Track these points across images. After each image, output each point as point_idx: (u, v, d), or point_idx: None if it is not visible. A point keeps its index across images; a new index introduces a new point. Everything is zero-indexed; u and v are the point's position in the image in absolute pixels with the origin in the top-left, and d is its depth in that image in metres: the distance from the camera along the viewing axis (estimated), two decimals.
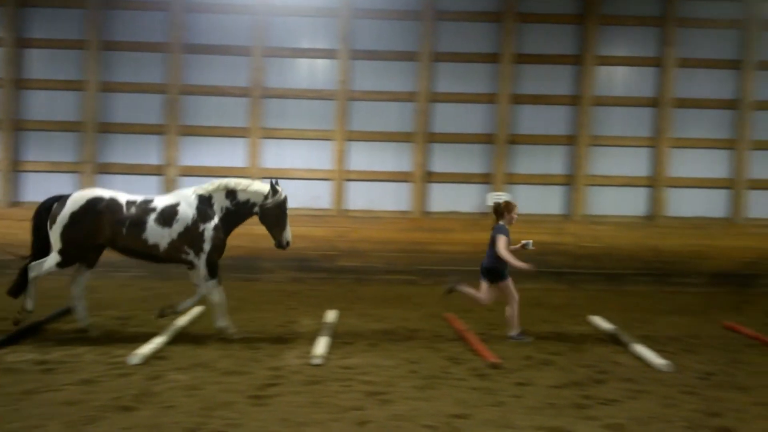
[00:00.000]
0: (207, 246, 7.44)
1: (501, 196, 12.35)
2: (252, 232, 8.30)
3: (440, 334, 8.05)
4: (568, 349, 7.47)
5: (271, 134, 12.52)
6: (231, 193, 7.57)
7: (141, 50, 12.42)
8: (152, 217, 7.37)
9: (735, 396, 5.87)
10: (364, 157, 12.64)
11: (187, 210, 7.45)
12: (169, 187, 12.24)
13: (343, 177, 12.50)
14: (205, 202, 7.52)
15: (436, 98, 12.53)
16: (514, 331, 7.81)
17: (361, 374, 6.22)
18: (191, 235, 7.40)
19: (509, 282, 7.83)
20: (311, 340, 7.30)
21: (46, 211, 7.39)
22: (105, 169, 12.45)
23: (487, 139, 12.59)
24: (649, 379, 6.34)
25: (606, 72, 12.59)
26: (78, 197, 7.37)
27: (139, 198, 7.55)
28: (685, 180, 12.62)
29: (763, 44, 12.40)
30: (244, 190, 7.57)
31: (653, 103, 12.53)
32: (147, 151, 12.50)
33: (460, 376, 6.27)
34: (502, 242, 7.70)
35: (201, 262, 7.46)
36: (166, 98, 12.36)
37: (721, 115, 12.55)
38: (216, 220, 7.49)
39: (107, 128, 12.46)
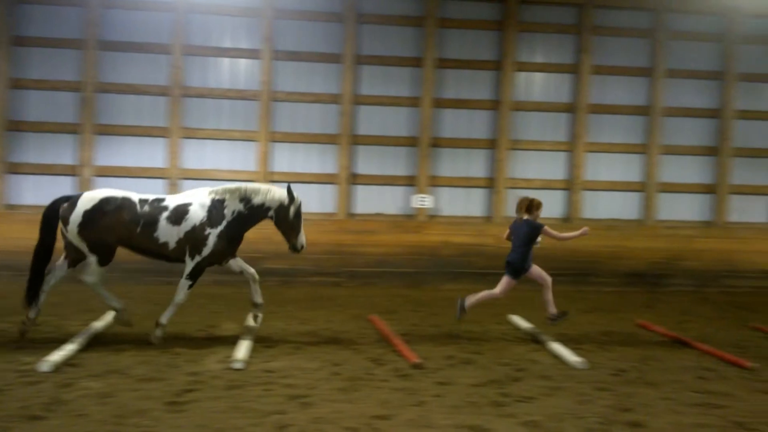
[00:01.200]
0: (206, 251, 7.41)
1: (425, 199, 12.56)
2: None
3: (364, 336, 8.06)
4: (488, 348, 7.63)
5: (192, 134, 12.25)
6: (246, 197, 7.54)
7: (55, 46, 11.92)
8: (164, 215, 7.34)
9: (645, 391, 6.11)
10: (288, 158, 12.54)
11: (198, 211, 7.42)
12: (83, 188, 11.81)
13: (266, 178, 12.34)
14: (217, 205, 7.48)
15: (360, 101, 12.57)
16: (468, 301, 8.10)
17: (283, 377, 6.16)
18: (195, 236, 7.36)
19: (513, 283, 8.11)
20: (233, 344, 7.17)
21: (54, 213, 7.28)
22: (16, 169, 11.91)
23: (410, 141, 12.70)
24: (565, 376, 6.54)
25: (525, 78, 12.92)
26: (90, 196, 7.29)
27: (150, 196, 7.51)
28: (600, 183, 13.09)
29: (671, 53, 12.99)
30: (259, 194, 7.56)
31: (570, 108, 12.94)
32: (61, 151, 12.02)
33: (383, 377, 6.29)
34: (553, 231, 8.11)
35: (192, 262, 7.43)
36: (81, 96, 11.92)
37: (633, 120, 13.08)
38: (224, 225, 7.45)
39: (18, 126, 11.91)
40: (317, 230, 12.19)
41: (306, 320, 8.92)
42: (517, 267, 8.01)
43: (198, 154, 12.31)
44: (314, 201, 12.58)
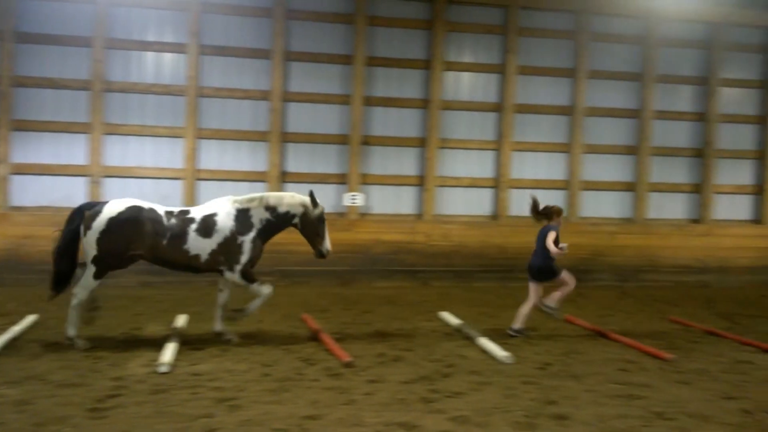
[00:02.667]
0: (244, 258, 7.52)
1: (356, 197, 12.55)
2: None
3: (295, 336, 8.00)
4: (418, 344, 7.69)
5: (115, 130, 11.84)
6: (271, 206, 7.69)
7: None
8: (193, 227, 7.37)
9: (570, 384, 6.28)
10: (216, 155, 12.29)
11: (226, 220, 7.51)
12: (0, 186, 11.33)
13: (194, 176, 12.09)
14: (243, 214, 7.59)
15: (290, 97, 12.44)
16: (552, 303, 8.30)
17: (210, 380, 6.04)
18: (229, 246, 7.45)
19: (563, 274, 8.31)
20: (158, 347, 6.99)
21: (78, 216, 7.26)
22: None
23: (341, 139, 12.67)
24: (493, 370, 6.66)
25: (453, 77, 13.07)
26: (117, 205, 7.26)
27: (175, 209, 7.55)
28: (526, 181, 13.37)
29: (593, 54, 13.40)
30: (284, 203, 7.72)
31: (497, 108, 13.16)
32: None
33: (314, 377, 6.26)
34: (551, 237, 8.15)
35: (236, 274, 7.53)
36: None
37: (557, 120, 13.43)
38: (254, 232, 7.58)
39: None
40: None
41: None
42: (545, 270, 8.27)
43: (121, 151, 11.91)
44: None
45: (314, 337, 7.85)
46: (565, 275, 8.30)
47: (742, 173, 14.20)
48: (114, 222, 7.11)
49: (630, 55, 13.61)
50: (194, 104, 12.00)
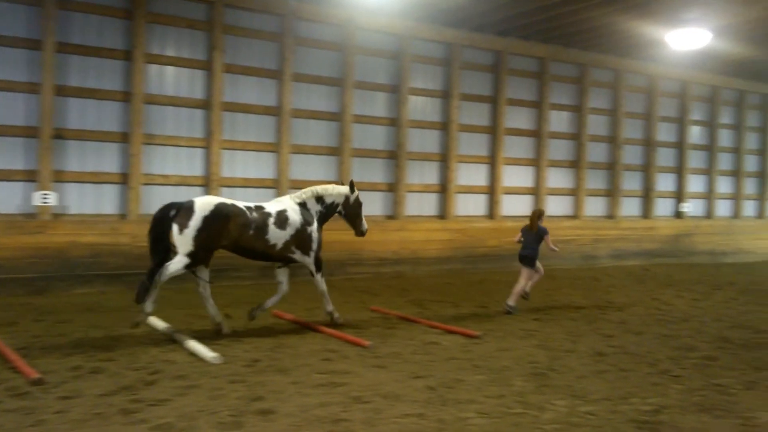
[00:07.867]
0: (315, 245, 8.71)
1: (49, 196, 11.42)
2: None
3: None
4: (121, 354, 7.28)
5: None
6: (320, 198, 8.92)
7: None
8: (271, 221, 8.35)
9: (277, 378, 6.45)
10: None
11: (294, 215, 8.58)
12: None
13: None
14: (304, 207, 8.76)
15: None
16: (511, 302, 10.37)
17: None
18: (301, 237, 8.56)
19: (533, 272, 10.45)
20: None
21: (167, 219, 7.89)
22: None
23: (29, 132, 11.42)
24: (200, 373, 6.57)
25: (157, 71, 12.55)
26: (205, 203, 7.97)
27: (250, 204, 8.43)
28: (237, 180, 13.37)
29: (298, 58, 13.85)
30: (330, 194, 8.96)
31: (204, 105, 12.95)
32: None
33: None
34: (549, 240, 10.45)
35: (310, 260, 8.70)
36: None
37: (265, 120, 13.64)
38: (316, 223, 8.77)
39: None
40: None
41: None
42: (532, 259, 10.31)
43: None
44: None
45: None
46: (526, 272, 10.43)
47: (429, 174, 15.84)
48: (209, 219, 7.83)
49: (332, 61, 14.33)
50: None
